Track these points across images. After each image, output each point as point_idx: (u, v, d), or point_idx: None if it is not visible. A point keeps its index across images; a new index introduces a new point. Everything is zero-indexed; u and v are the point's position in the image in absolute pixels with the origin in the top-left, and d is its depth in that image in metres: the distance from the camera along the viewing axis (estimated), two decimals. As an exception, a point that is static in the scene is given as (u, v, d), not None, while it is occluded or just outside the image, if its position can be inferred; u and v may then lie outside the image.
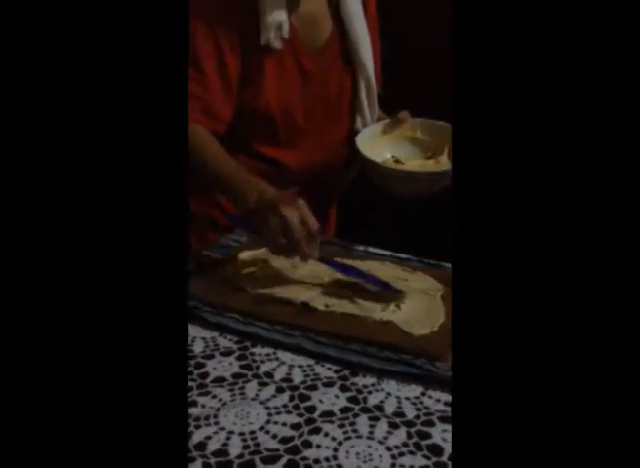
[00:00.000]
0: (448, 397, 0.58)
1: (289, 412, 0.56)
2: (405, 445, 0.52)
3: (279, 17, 0.85)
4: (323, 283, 0.75)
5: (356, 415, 0.56)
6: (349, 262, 0.80)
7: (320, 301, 0.70)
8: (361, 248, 0.86)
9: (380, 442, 0.53)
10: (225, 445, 0.52)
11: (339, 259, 0.78)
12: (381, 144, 0.94)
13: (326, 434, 0.53)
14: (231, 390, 0.58)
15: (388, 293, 0.71)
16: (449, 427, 0.54)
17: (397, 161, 0.94)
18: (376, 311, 0.69)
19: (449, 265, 0.82)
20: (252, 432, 0.53)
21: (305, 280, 0.75)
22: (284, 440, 0.52)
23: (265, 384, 0.59)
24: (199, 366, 0.62)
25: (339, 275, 0.76)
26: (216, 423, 0.54)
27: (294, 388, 0.59)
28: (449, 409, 0.56)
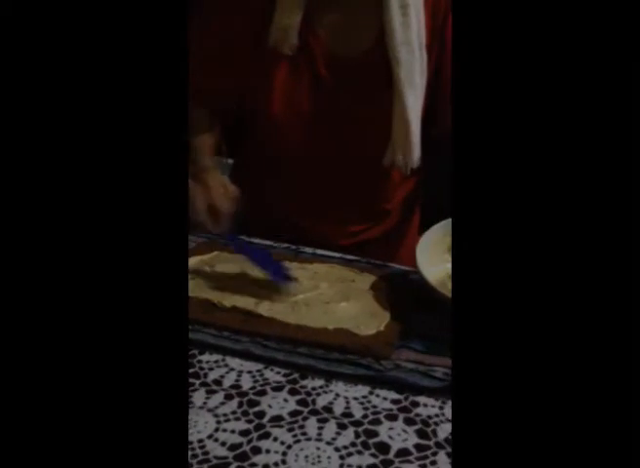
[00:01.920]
0: (394, 395, 0.59)
1: (238, 419, 0.56)
2: (353, 444, 0.53)
3: (287, 20, 0.82)
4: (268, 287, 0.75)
5: (305, 418, 0.56)
6: (297, 265, 0.80)
7: (264, 307, 0.70)
8: (309, 250, 0.87)
9: (328, 443, 0.53)
10: (174, 455, 0.51)
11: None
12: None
13: (275, 438, 0.54)
14: (179, 399, 0.58)
15: (277, 282, 0.73)
16: (395, 424, 0.55)
17: None
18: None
19: (395, 266, 0.84)
20: (200, 440, 0.53)
21: (251, 285, 0.75)
22: (233, 447, 0.52)
23: (214, 392, 0.59)
24: (146, 376, 0.61)
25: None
26: (163, 434, 0.53)
27: (243, 394, 0.59)
28: (395, 406, 0.58)
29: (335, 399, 0.59)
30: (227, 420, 0.55)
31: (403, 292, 0.75)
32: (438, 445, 0.53)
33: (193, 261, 0.82)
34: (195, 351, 0.65)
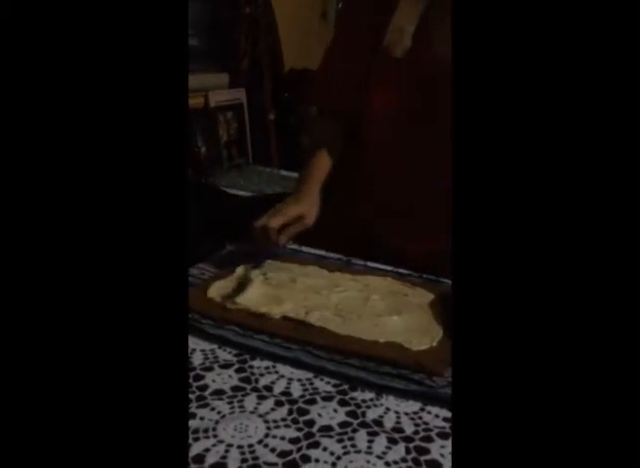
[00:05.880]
0: (446, 413, 0.58)
1: (288, 426, 0.56)
2: (404, 460, 0.52)
3: (404, 21, 0.80)
4: (320, 296, 0.75)
5: (355, 430, 0.56)
6: (348, 276, 0.80)
7: (314, 316, 0.70)
8: (360, 262, 0.86)
9: (378, 457, 0.52)
10: (224, 458, 0.51)
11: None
12: None
13: (324, 448, 0.53)
14: (230, 403, 0.58)
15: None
16: (447, 443, 0.54)
17: None
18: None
19: (448, 281, 0.82)
20: (250, 445, 0.53)
21: (301, 294, 0.76)
22: (283, 454, 0.52)
23: (264, 397, 0.59)
24: (198, 378, 0.62)
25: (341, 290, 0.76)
26: (215, 436, 0.54)
27: (293, 402, 0.59)
28: (447, 424, 0.56)
29: (385, 413, 0.58)
30: (277, 427, 0.55)
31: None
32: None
33: (245, 269, 0.83)
34: (247, 356, 0.65)
